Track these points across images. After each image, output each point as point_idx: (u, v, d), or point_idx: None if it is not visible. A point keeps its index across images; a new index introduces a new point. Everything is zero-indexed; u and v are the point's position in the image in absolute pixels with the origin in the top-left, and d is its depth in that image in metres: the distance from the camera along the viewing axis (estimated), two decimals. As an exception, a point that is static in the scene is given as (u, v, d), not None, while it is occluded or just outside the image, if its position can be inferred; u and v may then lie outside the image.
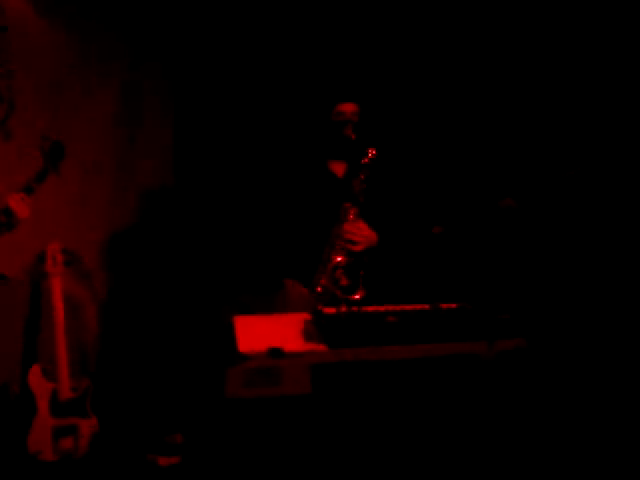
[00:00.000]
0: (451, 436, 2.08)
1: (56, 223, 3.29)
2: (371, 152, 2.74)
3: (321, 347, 2.05)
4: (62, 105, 3.37)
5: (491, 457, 2.09)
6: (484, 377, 2.07)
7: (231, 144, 3.67)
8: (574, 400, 2.30)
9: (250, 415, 2.01)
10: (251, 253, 3.36)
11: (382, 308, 2.30)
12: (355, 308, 2.27)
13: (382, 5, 3.62)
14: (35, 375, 2.96)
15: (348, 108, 2.88)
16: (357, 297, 2.63)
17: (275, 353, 1.98)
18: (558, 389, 2.24)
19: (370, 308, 2.30)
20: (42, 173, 2.77)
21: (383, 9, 3.62)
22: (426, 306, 2.34)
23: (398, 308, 2.31)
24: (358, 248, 2.75)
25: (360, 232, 2.75)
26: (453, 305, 2.37)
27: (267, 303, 2.92)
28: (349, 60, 3.59)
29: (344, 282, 2.70)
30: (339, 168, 2.96)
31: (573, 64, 3.17)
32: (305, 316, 2.36)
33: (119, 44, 3.53)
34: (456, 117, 3.62)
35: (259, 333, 2.18)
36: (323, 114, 2.93)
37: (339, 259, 2.74)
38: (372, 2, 3.62)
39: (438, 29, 3.61)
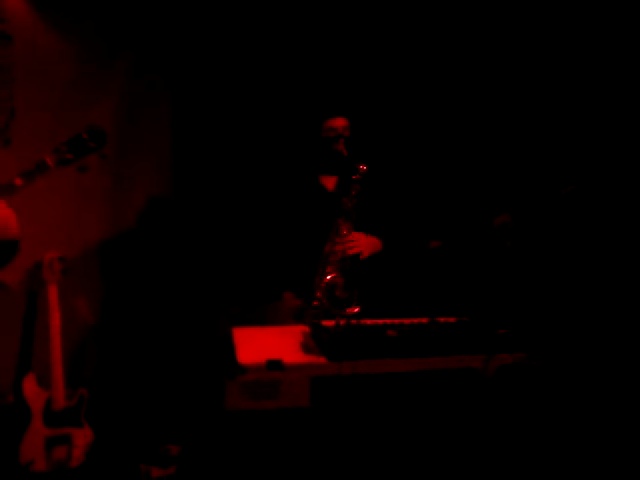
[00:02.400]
0: (450, 449, 2.08)
1: (54, 232, 3.29)
2: (362, 168, 2.75)
3: (320, 360, 2.06)
4: (62, 115, 3.38)
5: (489, 471, 2.09)
6: (483, 391, 2.08)
7: (227, 157, 3.69)
8: (575, 415, 2.31)
9: (248, 427, 2.00)
10: (248, 265, 3.37)
11: (381, 321, 2.32)
12: (354, 321, 2.28)
13: (371, 21, 3.65)
14: (30, 384, 2.93)
15: (340, 123, 2.90)
16: (353, 311, 2.65)
17: (274, 365, 1.98)
18: (558, 404, 2.24)
19: (369, 321, 2.31)
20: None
21: (372, 25, 3.66)
22: (424, 320, 2.36)
23: (397, 322, 2.32)
24: (363, 256, 2.76)
25: (358, 242, 2.76)
26: (452, 319, 2.39)
27: (263, 315, 2.92)
28: (340, 75, 3.61)
29: (340, 296, 2.71)
30: (329, 182, 2.98)
31: (568, 81, 3.21)
32: (304, 328, 2.38)
33: (120, 56, 3.54)
34: (453, 132, 3.64)
35: (258, 345, 2.19)
36: (314, 129, 2.95)
37: (335, 274, 2.75)
38: (361, 18, 3.65)
39: (430, 43, 3.65)
